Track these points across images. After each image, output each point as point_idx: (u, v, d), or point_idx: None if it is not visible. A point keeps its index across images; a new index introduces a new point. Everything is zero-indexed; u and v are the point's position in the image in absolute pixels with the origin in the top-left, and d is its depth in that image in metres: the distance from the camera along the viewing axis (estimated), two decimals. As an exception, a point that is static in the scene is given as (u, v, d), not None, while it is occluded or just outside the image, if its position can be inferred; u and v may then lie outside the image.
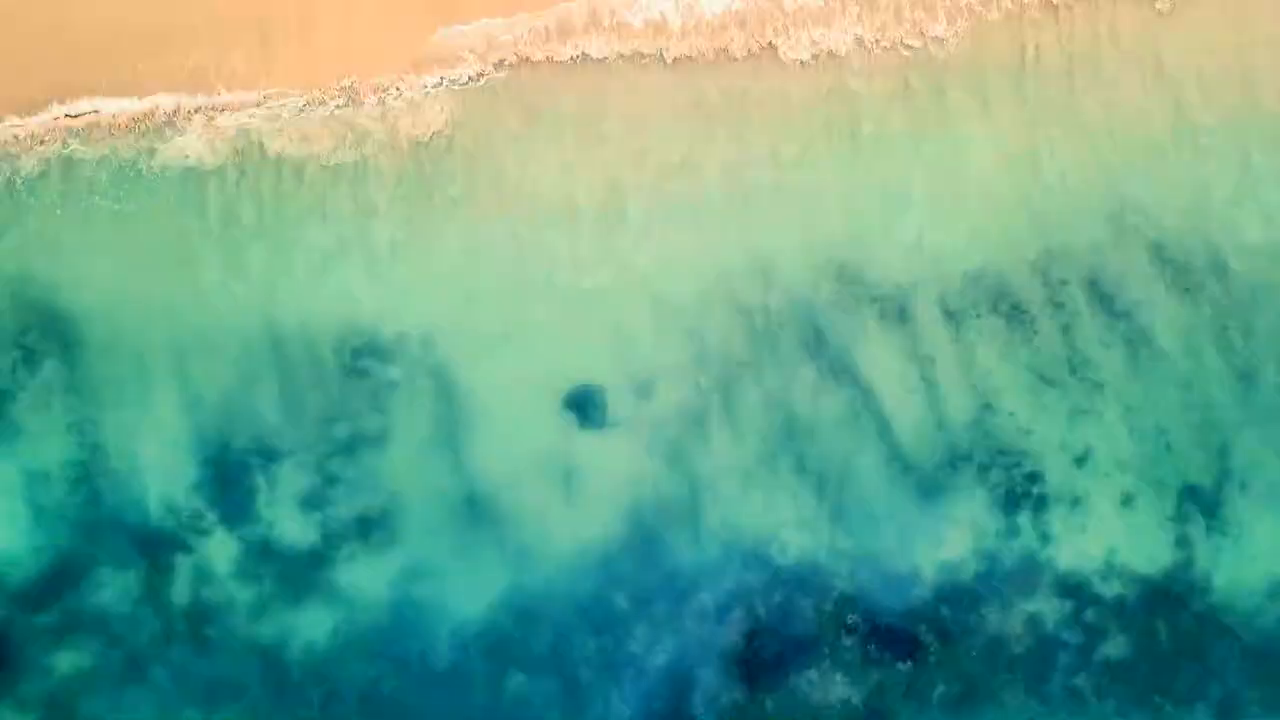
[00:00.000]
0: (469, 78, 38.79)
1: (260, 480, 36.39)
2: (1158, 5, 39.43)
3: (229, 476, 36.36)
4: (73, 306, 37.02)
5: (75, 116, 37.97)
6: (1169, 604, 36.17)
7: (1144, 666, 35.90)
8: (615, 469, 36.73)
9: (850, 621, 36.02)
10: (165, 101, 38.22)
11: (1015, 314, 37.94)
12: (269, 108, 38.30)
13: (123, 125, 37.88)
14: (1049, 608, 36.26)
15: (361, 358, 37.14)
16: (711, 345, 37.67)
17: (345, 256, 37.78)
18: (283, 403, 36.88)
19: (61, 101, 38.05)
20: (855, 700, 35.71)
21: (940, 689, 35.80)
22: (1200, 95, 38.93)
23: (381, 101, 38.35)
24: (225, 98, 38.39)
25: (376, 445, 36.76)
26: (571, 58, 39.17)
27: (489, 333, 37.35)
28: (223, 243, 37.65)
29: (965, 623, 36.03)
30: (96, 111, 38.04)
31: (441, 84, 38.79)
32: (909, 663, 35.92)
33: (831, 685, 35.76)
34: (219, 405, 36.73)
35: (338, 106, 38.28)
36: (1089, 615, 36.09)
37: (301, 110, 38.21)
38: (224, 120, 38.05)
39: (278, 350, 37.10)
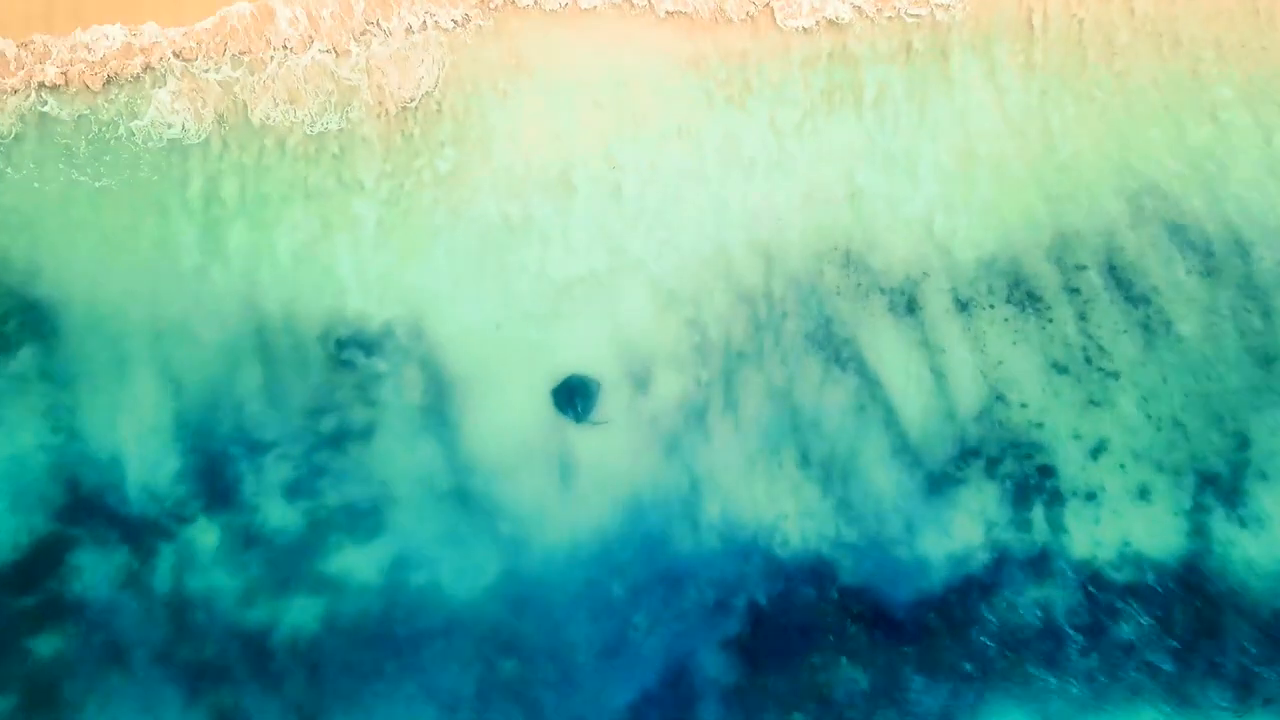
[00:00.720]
0: (454, 21, 37.62)
1: (243, 470, 35.44)
2: (1172, -31, 38.58)
3: (211, 466, 35.42)
4: (51, 291, 36.06)
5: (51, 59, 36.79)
6: (1187, 595, 35.49)
7: (1161, 658, 35.22)
8: (610, 464, 35.79)
9: (856, 612, 35.35)
10: (149, 31, 37.13)
11: (1029, 301, 37.06)
12: (252, 55, 37.16)
13: (100, 69, 36.71)
14: (1065, 600, 35.52)
15: (347, 347, 36.20)
16: (711, 333, 36.73)
17: (330, 238, 36.78)
18: (266, 392, 35.91)
19: (43, 33, 36.94)
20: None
21: (948, 680, 35.18)
22: (1219, 67, 37.88)
23: (366, 46, 37.20)
24: (202, 26, 37.33)
25: (363, 437, 35.82)
26: (561, 5, 38.19)
27: (478, 321, 36.39)
28: (204, 223, 36.67)
29: (977, 617, 35.36)
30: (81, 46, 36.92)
31: (425, 26, 37.59)
32: (915, 648, 35.24)
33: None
34: (200, 393, 35.78)
35: (320, 50, 37.08)
36: (1105, 606, 35.42)
37: (285, 59, 37.08)
38: (202, 67, 36.92)
39: (260, 338, 36.12)
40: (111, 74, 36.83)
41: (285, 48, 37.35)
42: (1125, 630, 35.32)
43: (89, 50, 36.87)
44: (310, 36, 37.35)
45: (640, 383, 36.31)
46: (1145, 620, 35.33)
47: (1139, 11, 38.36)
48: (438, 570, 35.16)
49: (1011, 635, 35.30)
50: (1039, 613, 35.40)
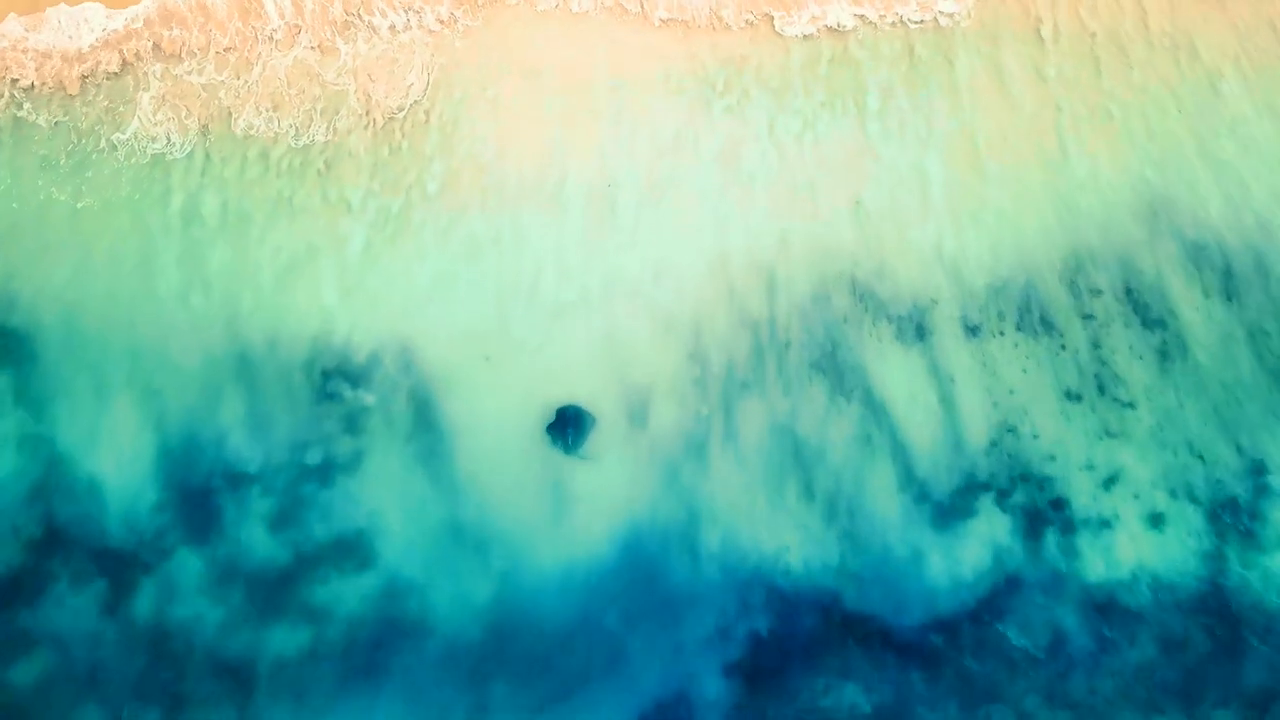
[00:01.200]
0: (439, 21, 37.09)
1: (224, 502, 34.45)
2: (1188, -20, 37.91)
3: (191, 497, 34.44)
4: (28, 315, 35.27)
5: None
6: (1201, 618, 34.71)
7: (1175, 680, 34.35)
8: (606, 499, 34.72)
9: (864, 642, 34.48)
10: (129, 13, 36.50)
11: (1042, 327, 36.22)
12: (237, 53, 36.42)
13: (78, 62, 35.79)
14: (1076, 623, 34.71)
15: (333, 379, 35.28)
16: (711, 361, 35.81)
17: (315, 261, 35.81)
18: (249, 424, 34.94)
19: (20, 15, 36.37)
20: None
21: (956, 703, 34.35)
22: (1240, 81, 37.09)
23: (352, 44, 36.35)
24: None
25: (349, 470, 34.82)
26: (552, 5, 37.85)
27: (468, 351, 35.38)
28: (186, 244, 35.70)
29: (987, 640, 34.53)
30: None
31: (410, 26, 37.06)
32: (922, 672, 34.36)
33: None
34: (181, 423, 34.82)
35: (306, 47, 36.25)
36: (1118, 630, 34.69)
37: (270, 56, 36.23)
38: (186, 68, 36.02)
39: (243, 367, 35.21)
40: (89, 71, 35.88)
41: (272, 39, 36.47)
42: (1138, 653, 34.50)
43: (69, 36, 36.04)
44: (297, 27, 36.47)
45: (637, 414, 35.33)
46: (1159, 643, 34.53)
47: (1154, 26, 37.58)
48: (429, 599, 34.10)
49: (1022, 658, 34.43)
50: (1050, 636, 34.56)
